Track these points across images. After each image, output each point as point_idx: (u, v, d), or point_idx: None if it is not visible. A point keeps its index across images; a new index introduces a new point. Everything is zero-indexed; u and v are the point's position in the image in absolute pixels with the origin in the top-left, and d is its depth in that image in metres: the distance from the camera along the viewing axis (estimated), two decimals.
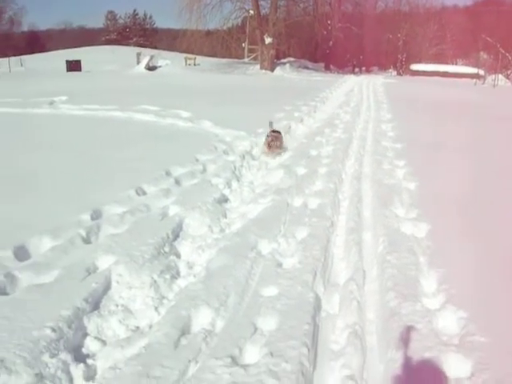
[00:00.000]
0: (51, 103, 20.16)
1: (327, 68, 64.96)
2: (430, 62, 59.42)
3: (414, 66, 58.75)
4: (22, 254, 5.84)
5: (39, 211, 7.08)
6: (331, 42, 63.31)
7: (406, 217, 7.09)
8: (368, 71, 66.34)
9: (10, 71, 46.38)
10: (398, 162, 10.42)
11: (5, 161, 10.43)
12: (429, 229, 6.50)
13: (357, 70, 67.15)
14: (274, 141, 10.94)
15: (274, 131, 11.29)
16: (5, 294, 5.02)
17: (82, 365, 3.97)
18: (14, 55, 56.13)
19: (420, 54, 63.96)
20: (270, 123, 11.89)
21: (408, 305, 4.63)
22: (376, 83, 39.61)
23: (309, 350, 4.01)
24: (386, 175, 9.33)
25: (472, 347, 3.95)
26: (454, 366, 3.79)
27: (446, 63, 62.62)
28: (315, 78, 45.97)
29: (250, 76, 45.58)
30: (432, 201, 7.61)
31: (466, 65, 60.34)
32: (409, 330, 4.23)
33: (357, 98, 26.44)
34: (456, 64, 66.31)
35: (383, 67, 70.08)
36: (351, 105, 22.24)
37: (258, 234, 6.26)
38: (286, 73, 50.86)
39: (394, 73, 63.36)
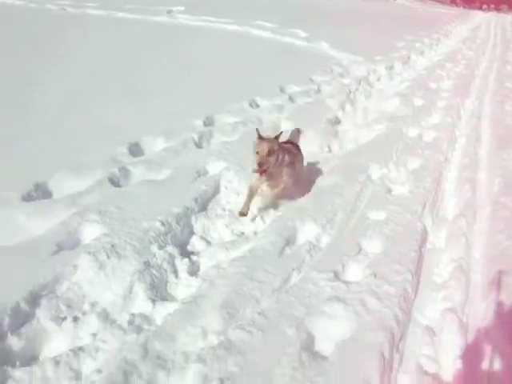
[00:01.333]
0: (169, 12, 20.29)
1: (453, 1, 61.60)
2: None
3: None
4: (136, 150, 6.05)
5: (156, 113, 7.25)
6: None
7: None
8: (497, 9, 62.22)
9: None
10: None
11: (132, 65, 10.72)
12: None
13: (485, 6, 63.21)
14: (277, 155, 4.78)
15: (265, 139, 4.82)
16: (118, 185, 5.23)
17: (186, 260, 4.08)
18: None
19: None
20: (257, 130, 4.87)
21: None
22: (505, 22, 37.27)
23: (412, 276, 3.92)
24: (507, 117, 8.84)
25: None
26: None
27: None
28: (440, 10, 43.88)
29: (371, 1, 43.94)
30: None
31: None
32: None
33: (483, 35, 25.03)
34: None
35: None
36: (476, 41, 21.10)
37: (369, 159, 6.13)
38: (409, 2, 48.83)
39: None
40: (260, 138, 4.77)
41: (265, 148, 4.65)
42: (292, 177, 5.02)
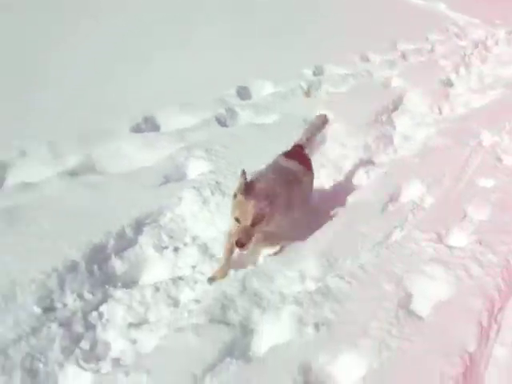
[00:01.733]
0: None
1: None
2: None
3: None
4: (244, 93, 6.09)
5: (266, 59, 7.21)
6: None
7: None
8: None
9: None
10: None
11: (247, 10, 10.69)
12: None
13: None
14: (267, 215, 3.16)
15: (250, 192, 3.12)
16: (225, 126, 5.28)
17: None
18: None
19: None
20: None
21: None
22: None
23: None
24: None
25: None
26: None
27: None
28: None
29: None
30: None
31: None
32: None
33: None
34: None
35: None
36: None
37: (481, 124, 5.87)
38: None
39: None
40: (242, 192, 3.12)
41: (249, 213, 3.09)
42: (291, 221, 3.50)
